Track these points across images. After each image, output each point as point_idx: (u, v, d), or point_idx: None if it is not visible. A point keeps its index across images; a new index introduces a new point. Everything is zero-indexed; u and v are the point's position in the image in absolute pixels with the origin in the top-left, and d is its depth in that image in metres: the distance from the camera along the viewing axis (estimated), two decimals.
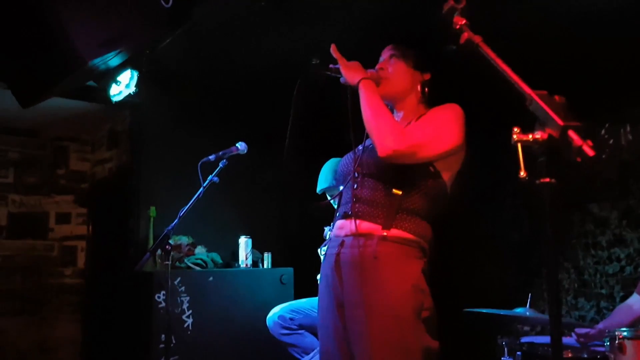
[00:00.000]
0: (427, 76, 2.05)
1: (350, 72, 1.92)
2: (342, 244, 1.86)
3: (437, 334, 1.78)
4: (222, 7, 3.04)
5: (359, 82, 1.88)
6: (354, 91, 1.90)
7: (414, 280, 1.77)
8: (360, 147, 1.98)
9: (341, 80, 1.95)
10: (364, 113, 1.84)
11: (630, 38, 2.93)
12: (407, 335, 1.71)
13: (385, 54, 2.08)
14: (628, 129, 3.37)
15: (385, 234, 1.78)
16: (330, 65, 1.96)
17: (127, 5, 2.52)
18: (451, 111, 1.89)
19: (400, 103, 2.04)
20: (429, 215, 1.88)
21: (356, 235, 1.83)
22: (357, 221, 1.83)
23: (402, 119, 2.02)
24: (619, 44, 3.05)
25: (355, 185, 1.91)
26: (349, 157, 2.05)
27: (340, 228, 1.91)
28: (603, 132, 3.39)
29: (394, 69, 2.02)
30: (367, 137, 1.91)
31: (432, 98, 2.06)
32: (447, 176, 1.89)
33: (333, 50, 1.96)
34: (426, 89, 2.04)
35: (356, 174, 1.93)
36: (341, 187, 2.03)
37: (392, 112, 2.04)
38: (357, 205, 1.86)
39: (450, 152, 1.85)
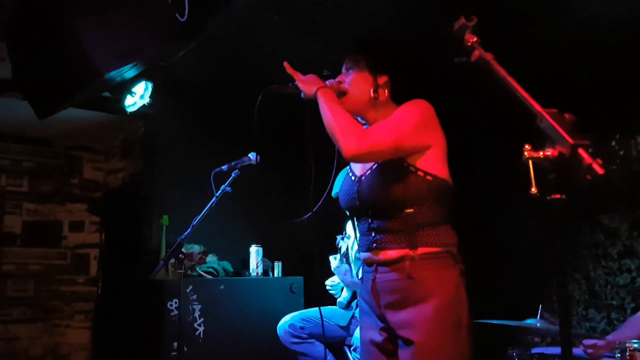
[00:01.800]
0: (383, 79, 1.93)
1: (307, 86, 1.88)
2: (376, 270, 1.88)
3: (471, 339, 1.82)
4: (235, 19, 3.08)
5: (316, 92, 1.85)
6: (312, 108, 1.86)
7: (452, 292, 1.79)
8: (353, 178, 1.98)
9: (302, 96, 1.90)
10: (324, 118, 1.81)
11: None
12: (450, 348, 1.76)
13: (343, 68, 2.00)
14: (638, 139, 3.37)
15: (413, 255, 1.79)
16: (290, 84, 1.92)
17: (142, 19, 2.56)
18: (413, 107, 1.84)
19: (367, 115, 1.96)
20: (446, 216, 1.87)
21: (387, 262, 1.85)
22: (384, 252, 1.85)
23: None
24: (630, 53, 3.06)
25: (370, 220, 1.90)
26: (346, 191, 2.00)
27: (369, 257, 1.92)
28: (613, 143, 3.39)
29: (350, 81, 1.95)
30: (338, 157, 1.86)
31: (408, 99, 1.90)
32: (443, 173, 1.85)
33: (287, 67, 1.93)
34: (386, 92, 1.94)
35: (363, 210, 1.92)
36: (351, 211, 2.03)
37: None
38: (378, 236, 1.87)
39: (419, 147, 1.82)
